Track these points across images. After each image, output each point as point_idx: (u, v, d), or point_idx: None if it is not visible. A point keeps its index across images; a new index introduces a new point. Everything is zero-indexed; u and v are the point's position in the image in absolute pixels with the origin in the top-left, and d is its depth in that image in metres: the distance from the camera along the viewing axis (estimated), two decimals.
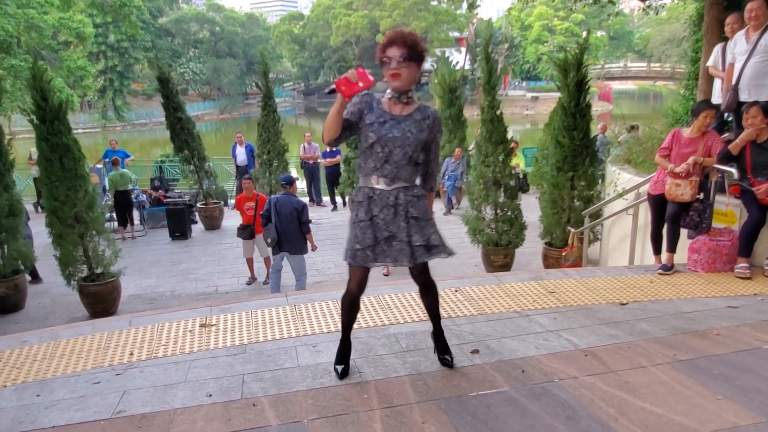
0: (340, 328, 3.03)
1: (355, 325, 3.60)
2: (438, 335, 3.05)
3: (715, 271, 4.50)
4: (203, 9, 62.60)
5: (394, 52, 2.52)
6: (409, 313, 3.81)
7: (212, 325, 3.78)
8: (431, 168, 2.79)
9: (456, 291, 4.24)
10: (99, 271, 6.91)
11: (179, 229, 10.34)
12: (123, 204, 10.20)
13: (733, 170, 4.43)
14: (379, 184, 2.65)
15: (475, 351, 3.18)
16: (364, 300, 4.02)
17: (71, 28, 18.19)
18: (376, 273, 7.67)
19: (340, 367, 2.96)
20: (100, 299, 6.89)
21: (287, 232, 6.46)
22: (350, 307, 2.89)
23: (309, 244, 6.72)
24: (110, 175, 10.08)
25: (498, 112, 7.93)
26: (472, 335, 3.41)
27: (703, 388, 2.62)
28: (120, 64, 45.27)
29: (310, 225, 6.73)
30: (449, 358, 3.00)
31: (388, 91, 2.66)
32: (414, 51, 2.53)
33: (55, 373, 3.19)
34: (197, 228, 11.20)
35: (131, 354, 3.39)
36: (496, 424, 2.41)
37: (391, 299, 4.08)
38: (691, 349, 3.07)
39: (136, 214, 11.00)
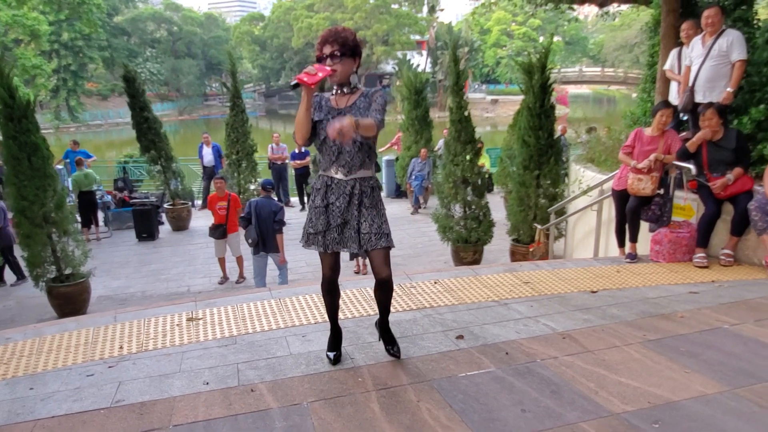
0: (326, 316, 3.13)
1: (341, 316, 3.74)
2: (384, 327, 3.11)
3: (675, 261, 4.80)
4: (160, 8, 61.31)
5: (328, 49, 2.69)
6: (392, 303, 3.93)
7: (199, 319, 3.82)
8: (373, 114, 2.71)
9: (435, 283, 4.40)
10: (68, 271, 6.80)
11: (146, 230, 10.19)
12: (87, 205, 9.99)
13: (691, 166, 4.75)
14: (338, 174, 2.78)
15: (460, 337, 3.34)
16: (348, 293, 4.17)
17: (25, 25, 17.60)
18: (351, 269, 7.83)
19: (332, 354, 3.06)
20: (70, 300, 6.77)
21: (266, 233, 6.78)
22: (329, 293, 2.99)
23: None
24: (74, 176, 9.86)
25: (466, 113, 8.14)
26: (455, 322, 3.57)
27: (672, 363, 2.85)
28: (74, 63, 43.86)
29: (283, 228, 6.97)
30: (395, 350, 3.07)
31: (334, 87, 2.83)
32: (346, 47, 2.70)
33: (45, 367, 3.19)
34: (164, 229, 11.06)
35: (121, 348, 3.41)
36: (487, 399, 2.57)
37: (372, 292, 4.19)
38: (659, 330, 3.31)
39: (100, 215, 10.77)
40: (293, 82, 2.62)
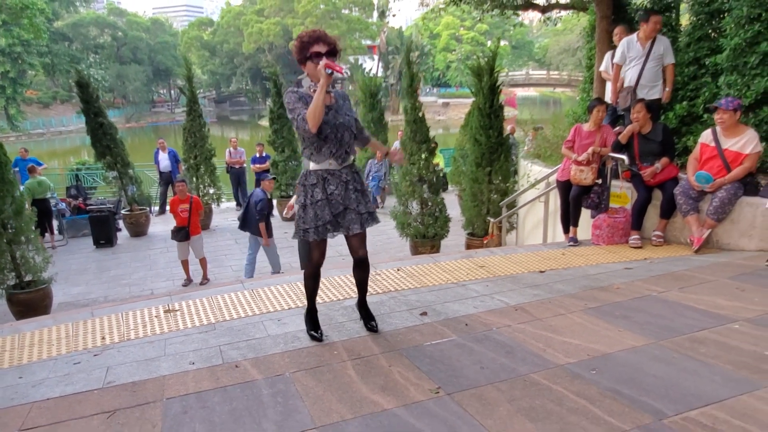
0: (306, 300, 3.40)
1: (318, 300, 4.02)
2: (363, 304, 3.48)
3: (613, 243, 5.30)
4: (104, 13, 59.64)
5: (322, 48, 2.93)
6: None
7: (176, 311, 4.01)
8: (362, 127, 3.26)
9: (398, 270, 4.73)
10: (28, 278, 6.78)
11: (104, 237, 10.12)
12: (41, 213, 9.79)
13: (624, 157, 5.26)
14: (332, 166, 3.06)
15: (424, 313, 3.67)
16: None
17: None
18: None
19: (317, 333, 3.31)
20: (32, 307, 6.73)
21: (248, 216, 7.77)
22: (314, 278, 3.28)
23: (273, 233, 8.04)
24: (27, 183, 9.70)
25: (420, 114, 8.53)
26: (419, 302, 3.90)
27: (608, 325, 3.27)
28: (12, 70, 42.08)
29: (262, 221, 7.84)
30: (374, 324, 3.41)
31: (311, 84, 3.03)
32: (335, 48, 2.98)
33: (30, 359, 3.32)
34: (122, 235, 11.00)
35: (103, 338, 3.57)
36: (450, 361, 2.90)
37: (341, 279, 4.50)
38: (598, 299, 3.74)
39: (54, 223, 10.62)
40: (329, 71, 2.84)
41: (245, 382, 2.81)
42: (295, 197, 7.60)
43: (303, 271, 3.39)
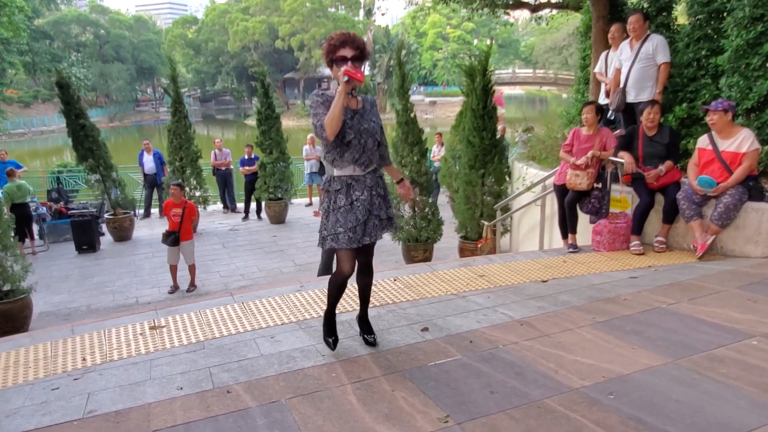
0: (325, 308, 3.26)
1: (307, 315, 3.84)
2: (364, 317, 3.33)
3: (615, 249, 5.16)
4: (85, 11, 58.69)
5: (349, 53, 2.80)
6: (356, 302, 4.04)
7: (162, 327, 3.79)
8: (385, 143, 3.13)
9: (395, 280, 4.55)
10: (7, 288, 6.49)
11: (87, 242, 9.81)
12: (21, 218, 9.47)
13: (624, 161, 5.12)
14: (356, 171, 2.93)
15: (425, 329, 3.49)
16: (312, 293, 4.25)
17: None
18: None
19: (331, 339, 3.18)
20: (10, 318, 6.45)
21: None
22: (340, 288, 3.11)
23: None
24: (6, 187, 9.36)
25: (412, 115, 8.36)
26: (419, 316, 3.72)
27: (620, 341, 3.11)
28: None
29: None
30: (372, 338, 3.26)
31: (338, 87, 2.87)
32: (363, 52, 2.85)
33: (5, 384, 3.09)
34: (105, 240, 10.68)
35: (84, 360, 3.35)
36: (457, 384, 2.72)
37: None
38: (606, 312, 3.59)
39: (35, 228, 10.28)
40: (346, 78, 2.71)
41: (238, 411, 2.61)
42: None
43: (322, 277, 3.24)
